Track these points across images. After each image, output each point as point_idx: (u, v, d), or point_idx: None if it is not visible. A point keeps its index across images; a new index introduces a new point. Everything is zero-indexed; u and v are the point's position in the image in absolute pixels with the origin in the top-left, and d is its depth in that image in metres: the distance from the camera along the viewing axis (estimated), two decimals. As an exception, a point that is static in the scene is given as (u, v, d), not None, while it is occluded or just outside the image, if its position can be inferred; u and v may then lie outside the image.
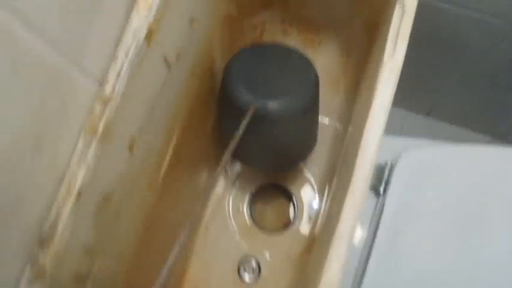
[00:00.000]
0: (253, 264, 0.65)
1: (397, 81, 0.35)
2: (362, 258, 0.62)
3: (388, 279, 0.60)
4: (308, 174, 0.70)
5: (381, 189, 0.63)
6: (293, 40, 0.61)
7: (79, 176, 0.33)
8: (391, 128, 0.44)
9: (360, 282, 0.60)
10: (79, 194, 0.33)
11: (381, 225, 0.61)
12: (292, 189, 0.70)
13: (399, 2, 0.36)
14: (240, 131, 0.47)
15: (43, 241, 0.32)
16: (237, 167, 0.71)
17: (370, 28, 0.52)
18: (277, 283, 0.64)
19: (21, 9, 0.25)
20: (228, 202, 0.69)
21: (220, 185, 0.69)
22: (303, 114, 0.50)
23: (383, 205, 0.62)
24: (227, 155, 0.47)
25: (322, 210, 0.68)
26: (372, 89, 0.37)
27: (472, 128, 1.03)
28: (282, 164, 0.58)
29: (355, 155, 0.36)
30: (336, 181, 0.63)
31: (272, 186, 0.71)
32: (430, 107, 1.03)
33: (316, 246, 0.62)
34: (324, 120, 0.68)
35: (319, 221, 0.67)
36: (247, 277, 0.65)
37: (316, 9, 0.57)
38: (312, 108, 0.52)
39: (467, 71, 0.86)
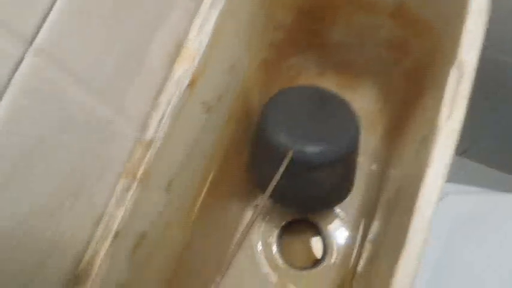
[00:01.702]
0: (281, 302, 0.65)
1: (454, 146, 0.34)
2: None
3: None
4: (339, 213, 0.70)
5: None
6: (329, 83, 0.62)
7: (117, 218, 0.35)
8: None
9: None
10: (116, 234, 0.35)
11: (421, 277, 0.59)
12: (322, 226, 0.70)
13: (457, 61, 0.35)
14: (278, 176, 0.48)
15: (78, 280, 0.34)
16: (267, 201, 0.71)
17: (411, 78, 0.52)
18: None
19: (70, 65, 0.27)
20: (256, 236, 0.69)
21: (248, 217, 0.70)
22: (342, 160, 0.50)
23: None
24: (263, 201, 0.47)
25: (355, 251, 0.67)
26: (424, 150, 0.36)
27: (508, 172, 0.99)
28: (316, 207, 0.58)
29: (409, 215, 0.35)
30: (377, 224, 0.61)
31: (302, 223, 0.71)
32: (465, 147, 1.01)
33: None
34: (358, 160, 0.68)
35: (353, 258, 0.66)
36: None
37: (353, 55, 0.58)
38: (351, 155, 0.52)
39: (508, 113, 0.83)
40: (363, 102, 0.64)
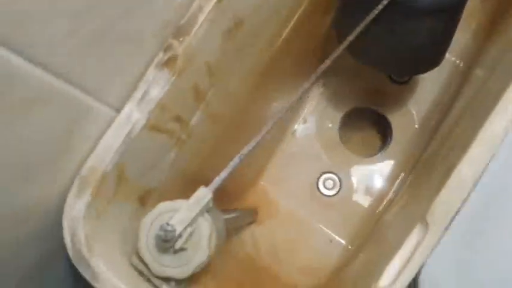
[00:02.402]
0: (335, 179, 0.63)
1: None
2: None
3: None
4: (412, 108, 0.66)
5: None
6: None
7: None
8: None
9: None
10: (219, -1, 0.32)
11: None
12: (390, 118, 0.66)
13: None
14: (372, 16, 0.44)
15: (180, 31, 0.32)
16: (335, 84, 0.68)
17: None
18: (354, 204, 0.61)
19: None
20: (319, 115, 0.67)
21: (316, 96, 0.67)
22: (449, 13, 0.45)
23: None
24: (354, 34, 0.43)
25: (418, 148, 0.63)
26: None
27: None
28: (400, 68, 0.53)
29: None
30: (448, 122, 0.58)
31: (368, 112, 0.68)
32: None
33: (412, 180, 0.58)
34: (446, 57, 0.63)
35: (416, 160, 0.63)
36: (325, 190, 0.62)
37: None
38: (459, 10, 0.47)
39: None
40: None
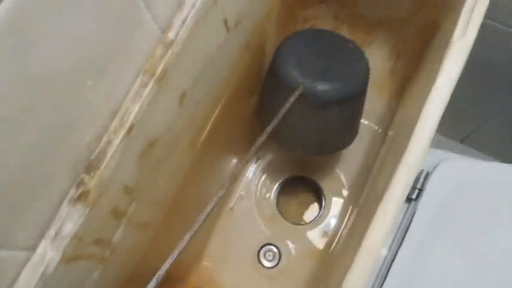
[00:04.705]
0: (274, 250, 0.65)
1: (464, 63, 0.34)
2: (385, 262, 0.61)
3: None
4: (340, 173, 0.70)
5: (414, 195, 0.62)
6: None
7: (133, 112, 0.35)
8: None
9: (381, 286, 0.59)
10: (130, 128, 0.35)
11: (409, 233, 0.60)
12: (322, 185, 0.70)
13: None
14: (286, 108, 0.48)
15: (90, 166, 0.34)
16: (270, 156, 0.71)
17: (426, 29, 0.52)
18: (296, 273, 0.63)
19: None
20: (256, 188, 0.69)
21: (251, 171, 0.70)
22: (350, 102, 0.50)
23: (414, 212, 0.61)
24: (271, 126, 0.47)
25: (349, 210, 0.67)
26: (431, 77, 0.36)
27: (506, 161, 1.01)
28: (318, 149, 0.58)
29: (400, 155, 0.35)
30: (369, 185, 0.62)
31: (301, 180, 0.71)
32: (465, 134, 1.02)
33: (339, 246, 0.62)
34: (364, 121, 0.69)
35: (346, 220, 0.67)
36: (266, 263, 0.65)
37: (372, 7, 0.58)
38: (359, 99, 0.52)
39: (508, 103, 0.84)
40: (375, 60, 0.65)
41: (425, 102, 0.34)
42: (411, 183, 0.35)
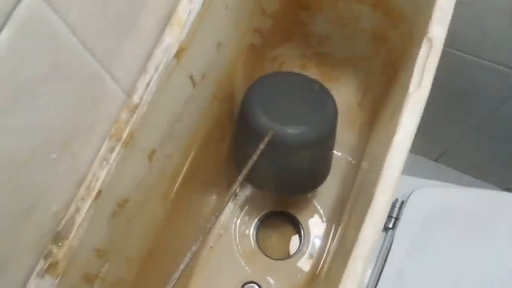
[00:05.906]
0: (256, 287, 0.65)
1: (421, 112, 0.35)
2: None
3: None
4: (317, 205, 0.71)
5: (390, 225, 0.63)
6: (311, 74, 0.64)
7: (100, 177, 0.35)
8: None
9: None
10: (98, 194, 0.35)
11: (389, 260, 0.61)
12: (300, 218, 0.71)
13: (427, 37, 0.38)
14: (257, 153, 0.49)
15: (58, 236, 0.34)
16: (247, 192, 0.72)
17: (389, 68, 0.54)
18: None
19: (64, 10, 0.28)
20: (235, 225, 0.70)
21: (229, 208, 0.70)
22: (320, 143, 0.51)
23: (391, 241, 0.62)
24: (242, 175, 0.48)
25: (329, 241, 0.68)
26: (394, 120, 0.38)
27: (481, 178, 1.04)
28: (293, 190, 0.58)
29: (373, 187, 0.36)
30: (347, 215, 0.63)
31: (280, 214, 0.72)
32: (440, 153, 1.04)
33: (321, 280, 0.62)
34: (337, 153, 0.70)
35: (326, 252, 0.68)
36: (248, 302, 0.64)
37: (336, 47, 0.60)
38: (328, 139, 0.53)
39: (481, 121, 0.87)
40: (343, 94, 0.66)
41: (387, 153, 0.35)
42: (382, 225, 0.35)
